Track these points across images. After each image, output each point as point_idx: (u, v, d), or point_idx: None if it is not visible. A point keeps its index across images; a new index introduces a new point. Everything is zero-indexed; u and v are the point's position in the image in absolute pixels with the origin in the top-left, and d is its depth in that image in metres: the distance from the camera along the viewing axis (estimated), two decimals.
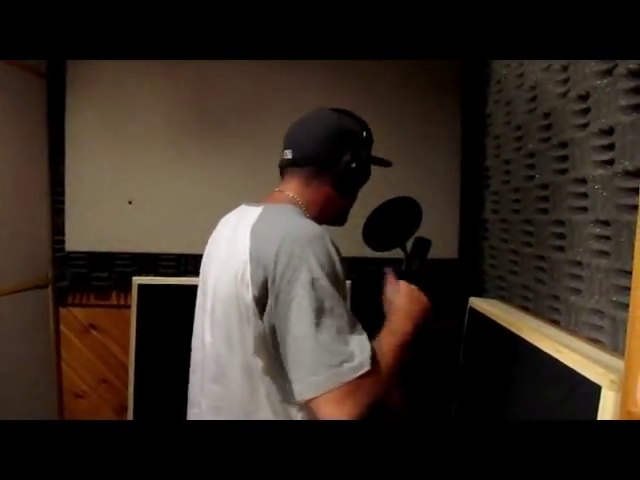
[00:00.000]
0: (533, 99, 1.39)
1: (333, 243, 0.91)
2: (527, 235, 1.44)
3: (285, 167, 1.07)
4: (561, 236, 1.22)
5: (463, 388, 1.56)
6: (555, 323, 1.24)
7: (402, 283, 1.07)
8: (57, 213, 2.05)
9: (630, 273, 0.74)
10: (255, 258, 0.88)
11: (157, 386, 1.89)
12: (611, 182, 0.99)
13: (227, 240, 1.00)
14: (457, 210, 2.00)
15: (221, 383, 0.96)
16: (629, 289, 0.75)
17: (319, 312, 0.83)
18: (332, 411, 0.79)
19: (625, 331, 0.79)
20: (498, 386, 1.27)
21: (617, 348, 0.97)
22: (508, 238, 1.61)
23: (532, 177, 1.40)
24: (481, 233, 1.90)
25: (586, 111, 1.09)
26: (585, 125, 1.10)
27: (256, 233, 0.91)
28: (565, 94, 1.19)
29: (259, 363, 0.91)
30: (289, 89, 1.97)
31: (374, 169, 1.11)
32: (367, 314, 0.94)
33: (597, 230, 1.05)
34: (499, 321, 1.33)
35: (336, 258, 0.89)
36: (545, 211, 1.31)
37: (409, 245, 1.21)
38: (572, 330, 1.15)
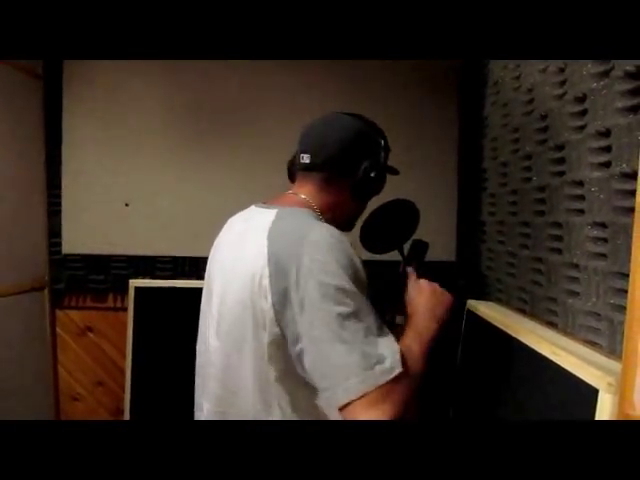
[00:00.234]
0: (530, 101, 1.39)
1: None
2: (524, 237, 1.44)
3: (299, 171, 1.06)
4: (558, 238, 1.22)
5: (460, 391, 1.55)
6: (552, 325, 1.24)
7: (423, 282, 1.05)
8: (54, 215, 2.04)
9: (627, 275, 0.74)
10: (274, 262, 0.85)
11: (153, 389, 1.89)
12: (608, 184, 0.99)
13: (233, 244, 0.98)
14: (454, 212, 1.99)
15: (227, 388, 0.94)
16: (626, 291, 0.75)
17: (345, 316, 0.81)
18: (369, 415, 0.77)
19: (622, 333, 0.79)
20: (495, 389, 1.27)
21: (614, 351, 0.96)
22: (505, 240, 1.60)
23: (529, 179, 1.40)
24: (478, 235, 1.90)
25: (583, 113, 1.09)
26: (582, 127, 1.10)
27: (274, 237, 0.88)
28: (562, 96, 1.19)
29: (272, 370, 0.88)
30: (286, 91, 1.97)
31: None
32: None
33: (594, 232, 1.05)
34: (496, 324, 1.33)
35: (357, 261, 0.88)
36: (542, 213, 1.31)
37: (406, 248, 1.21)
38: (569, 333, 1.15)
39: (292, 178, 1.11)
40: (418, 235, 1.22)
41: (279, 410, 0.90)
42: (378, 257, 1.24)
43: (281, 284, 0.84)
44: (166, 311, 1.89)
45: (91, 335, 2.12)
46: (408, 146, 1.95)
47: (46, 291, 2.05)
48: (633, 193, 0.87)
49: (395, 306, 1.09)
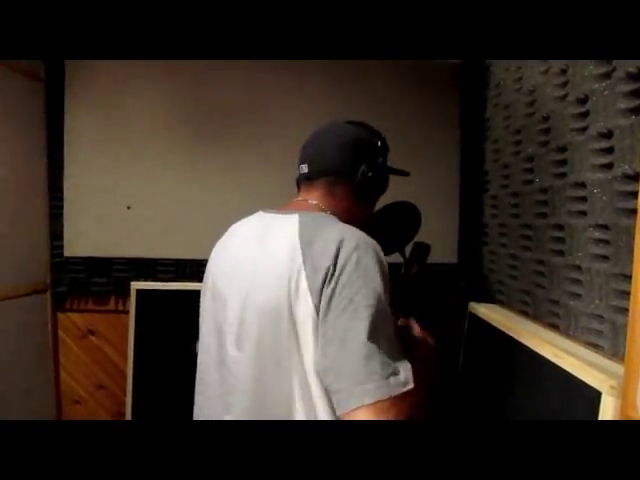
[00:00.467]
0: (532, 103, 1.39)
1: None
2: (526, 239, 1.43)
3: (302, 181, 1.06)
4: (560, 240, 1.21)
5: (463, 393, 1.55)
6: (554, 328, 1.23)
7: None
8: (55, 218, 2.04)
9: (630, 277, 0.74)
10: (311, 265, 0.85)
11: (155, 392, 1.89)
12: (610, 186, 0.99)
13: (250, 250, 0.96)
14: (456, 214, 1.99)
15: (260, 401, 0.90)
16: (629, 293, 0.74)
17: (375, 321, 0.81)
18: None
19: (625, 336, 0.78)
20: (497, 391, 1.26)
21: (617, 353, 0.96)
22: (507, 242, 1.60)
23: (531, 181, 1.40)
24: (480, 237, 1.89)
25: (585, 114, 1.09)
26: (584, 129, 1.10)
27: (307, 240, 0.88)
28: (564, 97, 1.19)
29: (316, 386, 0.86)
30: (287, 93, 1.97)
31: None
32: None
33: (596, 234, 1.04)
34: (498, 326, 1.32)
35: (386, 265, 0.88)
36: (544, 215, 1.31)
37: (408, 250, 1.21)
38: (571, 335, 1.15)
39: (300, 188, 1.11)
40: (420, 237, 1.21)
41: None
42: None
43: (318, 286, 0.84)
44: (168, 314, 1.89)
45: (93, 338, 2.11)
46: (410, 148, 1.95)
47: (48, 294, 2.05)
48: (635, 195, 0.86)
49: (396, 309, 1.09)
